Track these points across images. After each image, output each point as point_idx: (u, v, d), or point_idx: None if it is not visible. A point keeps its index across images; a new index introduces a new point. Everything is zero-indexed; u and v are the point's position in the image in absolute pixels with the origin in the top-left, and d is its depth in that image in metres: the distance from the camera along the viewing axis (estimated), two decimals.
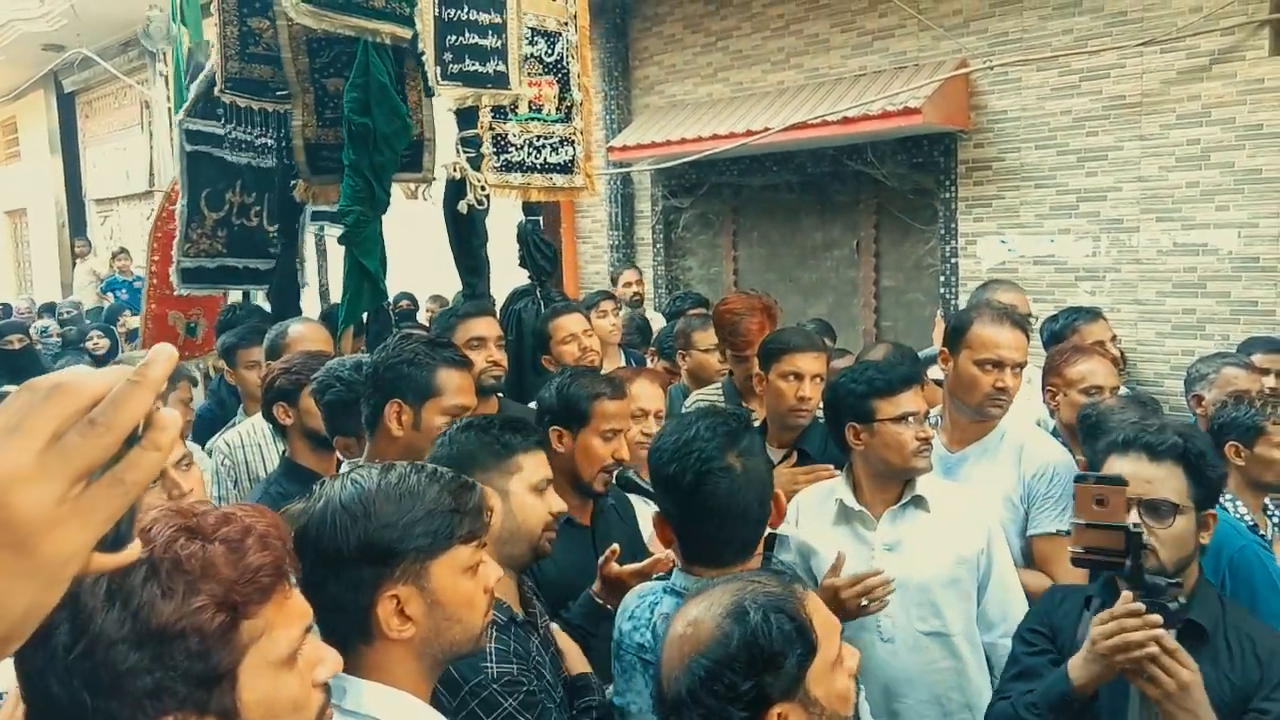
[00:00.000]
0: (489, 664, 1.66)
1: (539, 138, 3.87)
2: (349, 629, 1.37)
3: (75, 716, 0.85)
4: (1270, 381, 3.70)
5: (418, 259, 5.84)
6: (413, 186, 4.12)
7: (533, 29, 3.78)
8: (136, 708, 0.86)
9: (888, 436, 2.35)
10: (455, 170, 3.67)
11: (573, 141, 3.99)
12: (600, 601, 2.16)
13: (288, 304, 4.53)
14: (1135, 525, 1.68)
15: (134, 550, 0.65)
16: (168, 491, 2.04)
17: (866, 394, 2.38)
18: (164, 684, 0.86)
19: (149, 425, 0.61)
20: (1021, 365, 2.66)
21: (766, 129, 6.59)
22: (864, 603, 2.02)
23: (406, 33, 3.24)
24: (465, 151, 3.65)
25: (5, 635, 0.61)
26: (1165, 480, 1.81)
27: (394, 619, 1.36)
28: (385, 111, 3.32)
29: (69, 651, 0.85)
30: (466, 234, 3.86)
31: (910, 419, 2.34)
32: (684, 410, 3.01)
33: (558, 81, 3.90)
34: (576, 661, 1.96)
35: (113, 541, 0.62)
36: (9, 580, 0.58)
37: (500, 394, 3.22)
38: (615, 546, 2.18)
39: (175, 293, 4.74)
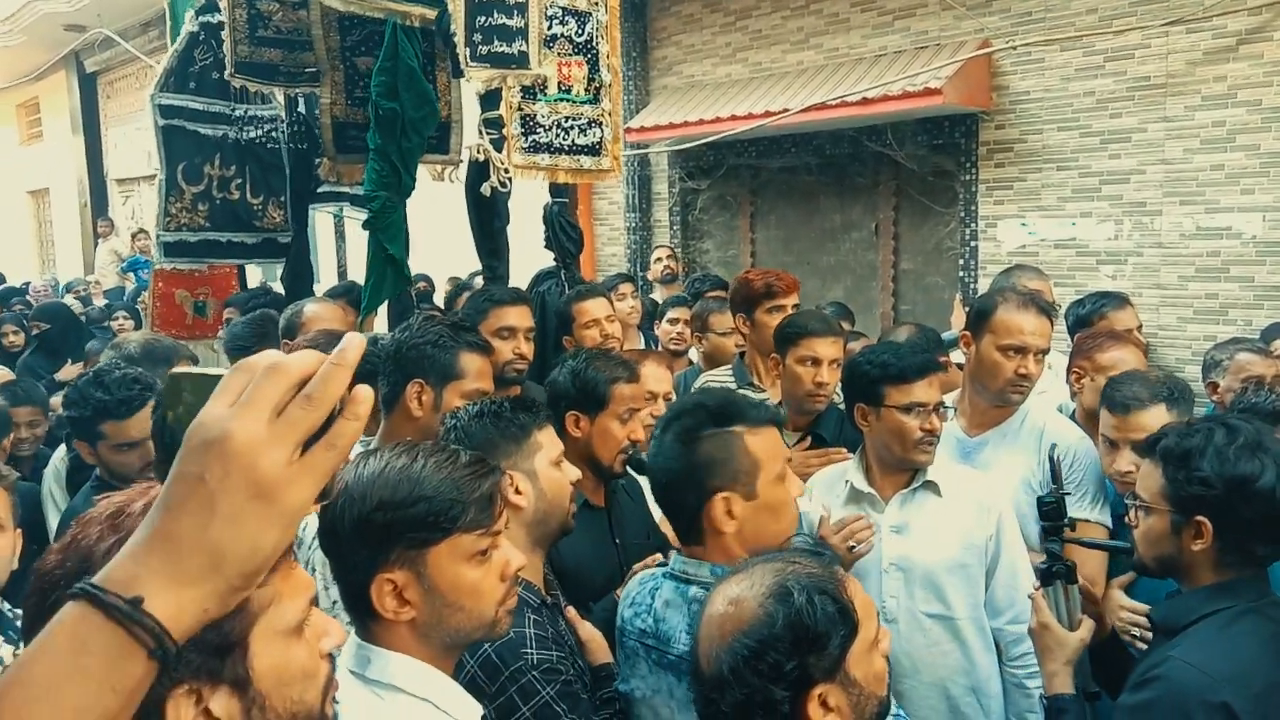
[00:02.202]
0: (529, 649, 1.66)
1: (568, 119, 3.84)
2: (355, 606, 1.39)
3: None
4: None
5: (438, 240, 5.85)
6: (439, 169, 4.11)
7: (563, 8, 3.75)
8: None
9: (892, 423, 2.34)
10: (479, 152, 3.65)
11: (601, 123, 3.96)
12: None
13: (302, 286, 4.56)
14: (1048, 494, 2.06)
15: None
16: None
17: (879, 378, 2.37)
18: (179, 652, 0.87)
19: (348, 400, 0.75)
20: (1045, 351, 2.63)
21: (785, 110, 6.55)
22: (851, 545, 2.11)
23: (434, 14, 3.23)
24: (488, 133, 3.64)
25: (258, 569, 0.74)
26: (1145, 477, 1.82)
27: (389, 601, 1.36)
28: (414, 96, 3.30)
29: None
30: (488, 216, 3.86)
31: (918, 410, 2.32)
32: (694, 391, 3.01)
33: (587, 62, 3.86)
34: (600, 651, 1.96)
35: (323, 494, 0.76)
36: (261, 525, 0.71)
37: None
38: (658, 556, 2.16)
39: (156, 265, 4.66)
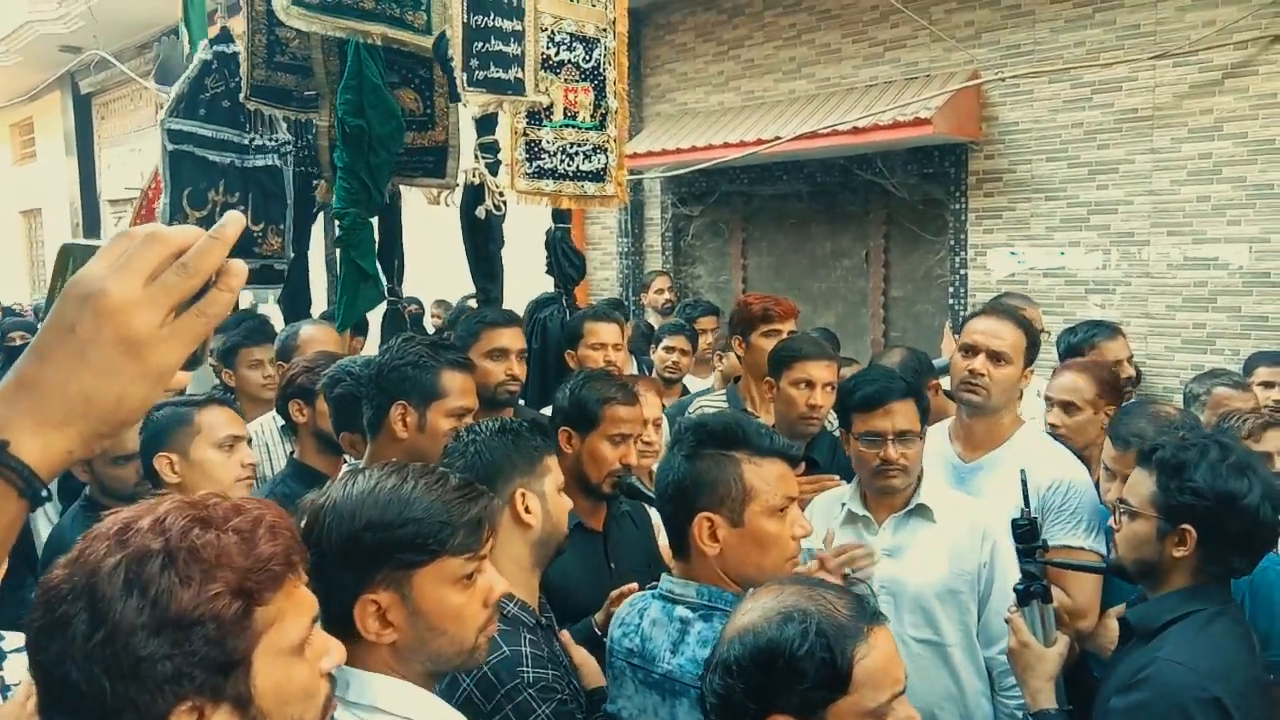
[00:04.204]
0: (525, 668, 1.65)
1: (572, 144, 3.84)
2: (333, 627, 1.37)
3: (94, 703, 0.87)
4: (1275, 394, 3.71)
5: (435, 263, 5.85)
6: (436, 192, 4.11)
7: (571, 34, 3.75)
8: (156, 693, 0.88)
9: (855, 451, 2.40)
10: (474, 176, 3.66)
11: (606, 149, 3.95)
12: (600, 634, 2.12)
13: (300, 308, 4.56)
14: (1020, 516, 2.02)
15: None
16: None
17: (847, 405, 2.43)
18: (182, 670, 0.88)
19: (222, 273, 0.79)
20: (1000, 355, 2.60)
21: (777, 138, 6.60)
22: (848, 572, 2.11)
23: (399, 34, 3.25)
24: (484, 157, 3.65)
25: (123, 420, 0.78)
26: (1135, 484, 1.89)
27: (371, 622, 1.35)
28: (380, 113, 3.31)
29: (88, 639, 0.87)
30: (483, 239, 3.86)
31: (872, 438, 2.33)
32: (686, 417, 3.01)
33: (594, 88, 3.87)
34: (593, 675, 1.96)
35: (191, 362, 0.80)
36: (127, 380, 0.76)
37: (522, 400, 3.20)
38: (634, 585, 2.14)
39: None
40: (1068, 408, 2.89)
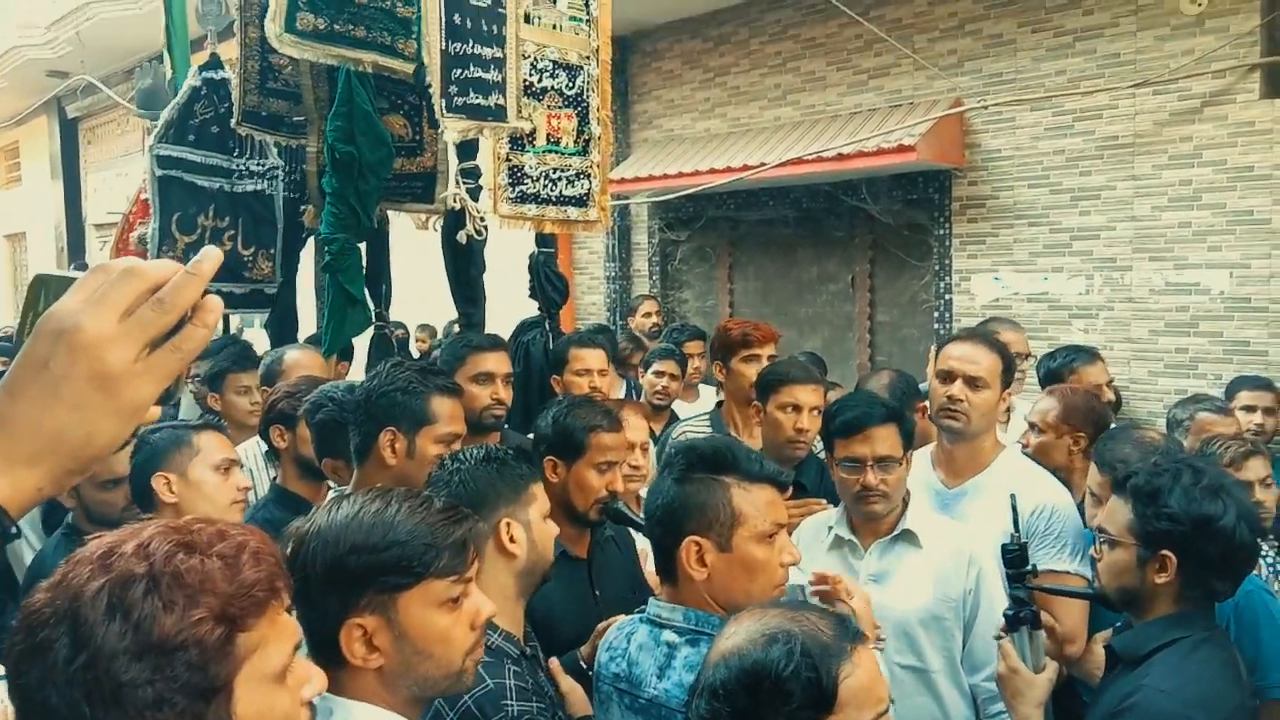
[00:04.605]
0: (510, 701, 1.64)
1: (555, 170, 3.86)
2: (319, 653, 1.37)
3: None
4: (1257, 418, 3.74)
5: (421, 287, 5.85)
6: (424, 218, 4.12)
7: (554, 62, 3.79)
8: (136, 718, 0.87)
9: (838, 476, 2.41)
10: (455, 201, 3.68)
11: (589, 175, 3.98)
12: (585, 666, 2.10)
13: (287, 333, 4.55)
14: (1010, 541, 2.05)
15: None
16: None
17: (829, 431, 2.44)
18: (163, 695, 0.87)
19: (198, 309, 0.79)
20: (977, 380, 2.62)
21: (763, 164, 6.65)
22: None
23: (390, 62, 3.28)
24: (465, 182, 3.67)
25: (95, 456, 0.77)
26: (1113, 512, 1.91)
27: (358, 647, 1.35)
28: (370, 140, 3.33)
29: (69, 664, 0.86)
30: (465, 264, 3.87)
31: (850, 464, 2.35)
32: (671, 442, 3.02)
33: (577, 115, 3.91)
34: (580, 704, 1.95)
35: (165, 397, 0.79)
36: (100, 416, 0.75)
37: (505, 424, 3.20)
38: (620, 618, 2.14)
39: None
40: (1033, 427, 3.00)
